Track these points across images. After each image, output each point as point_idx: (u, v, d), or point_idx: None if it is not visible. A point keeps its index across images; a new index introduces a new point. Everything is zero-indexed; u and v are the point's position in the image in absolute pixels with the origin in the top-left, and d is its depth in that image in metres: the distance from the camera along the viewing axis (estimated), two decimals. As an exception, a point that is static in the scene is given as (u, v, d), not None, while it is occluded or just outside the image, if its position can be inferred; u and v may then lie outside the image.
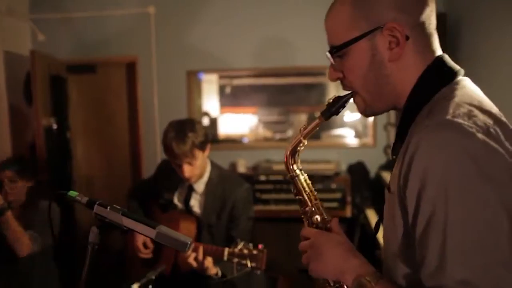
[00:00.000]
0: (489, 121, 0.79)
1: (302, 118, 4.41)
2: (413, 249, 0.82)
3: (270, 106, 4.39)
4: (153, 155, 4.07)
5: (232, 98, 4.41)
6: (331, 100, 1.00)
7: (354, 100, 0.98)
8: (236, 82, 4.44)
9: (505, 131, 0.80)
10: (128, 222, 1.21)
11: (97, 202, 1.21)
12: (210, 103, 4.35)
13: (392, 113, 3.78)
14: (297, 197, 1.08)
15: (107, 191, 4.19)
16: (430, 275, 0.76)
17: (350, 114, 4.14)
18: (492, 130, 0.78)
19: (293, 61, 3.98)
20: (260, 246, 1.89)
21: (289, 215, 3.51)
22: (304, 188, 1.07)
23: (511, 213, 0.73)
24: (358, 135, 4.12)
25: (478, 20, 3.15)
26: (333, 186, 3.59)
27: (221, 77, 4.35)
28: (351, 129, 4.14)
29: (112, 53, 4.10)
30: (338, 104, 0.99)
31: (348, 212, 3.54)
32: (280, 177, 3.65)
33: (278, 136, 4.39)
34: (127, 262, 2.39)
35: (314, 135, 4.15)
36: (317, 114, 1.04)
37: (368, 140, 4.00)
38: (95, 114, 4.31)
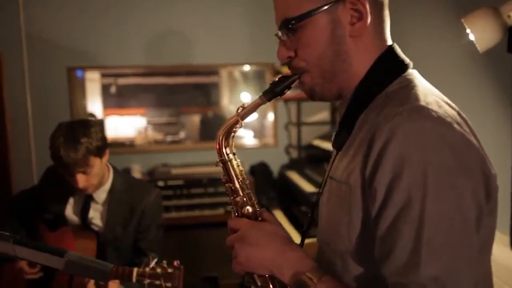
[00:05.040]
0: (454, 113, 0.78)
1: (195, 119, 4.27)
2: (370, 246, 0.76)
3: (159, 107, 4.15)
4: (26, 166, 3.50)
5: (117, 99, 4.06)
6: (276, 79, 0.89)
7: (300, 80, 0.89)
8: (122, 81, 4.08)
9: (467, 124, 0.79)
10: (23, 252, 0.91)
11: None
12: (94, 104, 3.91)
13: (293, 113, 3.79)
14: (226, 185, 0.95)
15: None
16: (398, 270, 0.71)
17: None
18: (460, 121, 0.76)
19: (184, 59, 3.77)
20: (175, 263, 1.67)
21: (193, 221, 3.34)
22: (236, 175, 0.94)
23: (480, 207, 0.73)
24: (257, 135, 4.07)
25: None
26: (236, 188, 3.47)
27: (103, 75, 3.93)
28: (248, 130, 4.07)
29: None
30: (284, 84, 0.88)
31: (254, 214, 3.45)
32: (180, 182, 3.46)
33: (169, 138, 4.16)
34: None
35: (210, 136, 3.91)
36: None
37: (269, 140, 3.98)
38: None
